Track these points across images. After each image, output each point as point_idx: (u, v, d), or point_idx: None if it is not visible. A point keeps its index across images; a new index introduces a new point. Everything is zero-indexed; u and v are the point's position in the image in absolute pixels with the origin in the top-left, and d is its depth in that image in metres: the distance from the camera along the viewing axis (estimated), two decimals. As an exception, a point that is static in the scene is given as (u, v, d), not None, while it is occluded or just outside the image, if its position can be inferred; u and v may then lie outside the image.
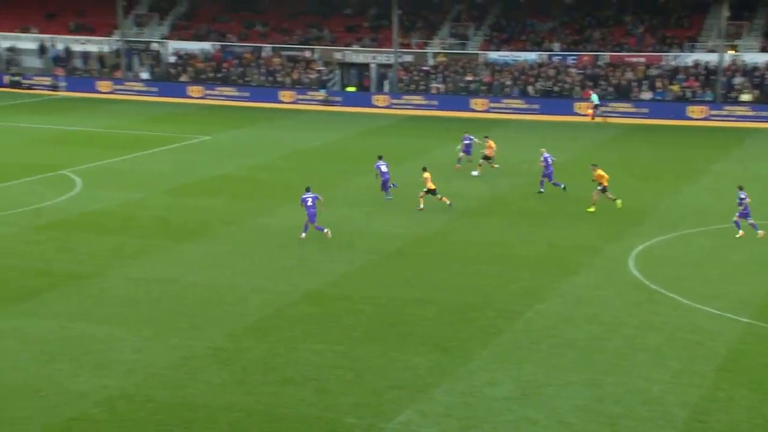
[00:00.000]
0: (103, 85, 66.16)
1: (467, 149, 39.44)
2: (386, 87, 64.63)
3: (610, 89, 58.72)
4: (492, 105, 60.18)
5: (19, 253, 26.85)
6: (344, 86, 65.40)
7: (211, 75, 66.54)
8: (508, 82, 61.07)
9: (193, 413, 17.27)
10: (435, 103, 61.62)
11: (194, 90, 64.88)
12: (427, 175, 32.53)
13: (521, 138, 48.94)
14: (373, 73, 65.68)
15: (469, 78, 62.46)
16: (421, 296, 24.11)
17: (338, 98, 63.31)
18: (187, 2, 72.68)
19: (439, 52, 65.29)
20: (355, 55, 66.09)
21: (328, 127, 53.77)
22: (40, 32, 71.43)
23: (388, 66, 65.08)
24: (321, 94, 63.37)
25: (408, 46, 65.78)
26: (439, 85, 62.78)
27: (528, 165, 39.19)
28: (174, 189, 35.96)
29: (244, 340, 20.81)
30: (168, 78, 67.29)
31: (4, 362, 19.22)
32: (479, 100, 60.63)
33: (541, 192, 35.05)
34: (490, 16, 67.89)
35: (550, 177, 35.14)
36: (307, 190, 28.90)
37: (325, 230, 28.64)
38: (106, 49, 69.78)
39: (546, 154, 35.32)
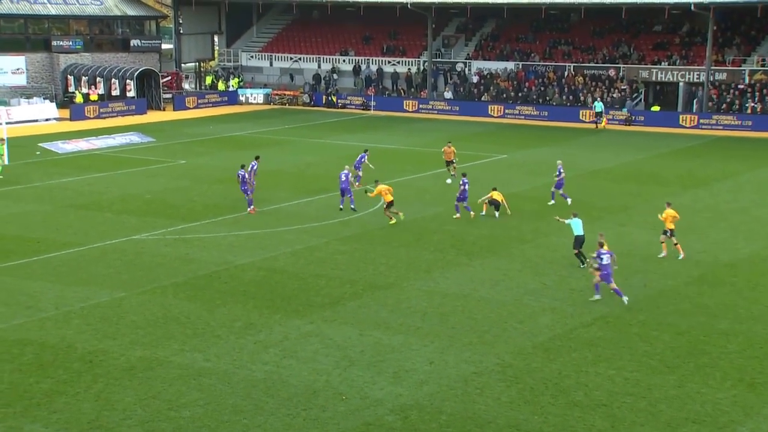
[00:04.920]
0: (409, 105, 68.93)
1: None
2: (695, 106, 61.69)
3: None
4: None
5: (327, 263, 28.47)
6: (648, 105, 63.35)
7: (511, 94, 67.11)
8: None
9: (481, 429, 17.33)
10: (749, 123, 57.94)
11: (494, 109, 65.73)
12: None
13: None
14: (681, 92, 62.95)
15: (791, 97, 58.16)
16: (726, 327, 22.64)
17: (641, 117, 61.41)
18: (493, 23, 73.87)
19: (757, 70, 61.24)
20: (663, 73, 63.72)
21: (628, 147, 52.20)
22: (356, 54, 75.92)
23: (698, 84, 62.07)
24: (623, 113, 61.78)
25: (722, 63, 62.34)
26: (755, 105, 58.85)
27: None
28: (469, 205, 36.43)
29: (532, 359, 20.64)
30: (470, 97, 68.71)
31: (309, 364, 20.32)
32: (801, 121, 56.30)
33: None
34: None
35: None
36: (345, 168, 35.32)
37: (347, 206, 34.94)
38: (413, 69, 72.73)
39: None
